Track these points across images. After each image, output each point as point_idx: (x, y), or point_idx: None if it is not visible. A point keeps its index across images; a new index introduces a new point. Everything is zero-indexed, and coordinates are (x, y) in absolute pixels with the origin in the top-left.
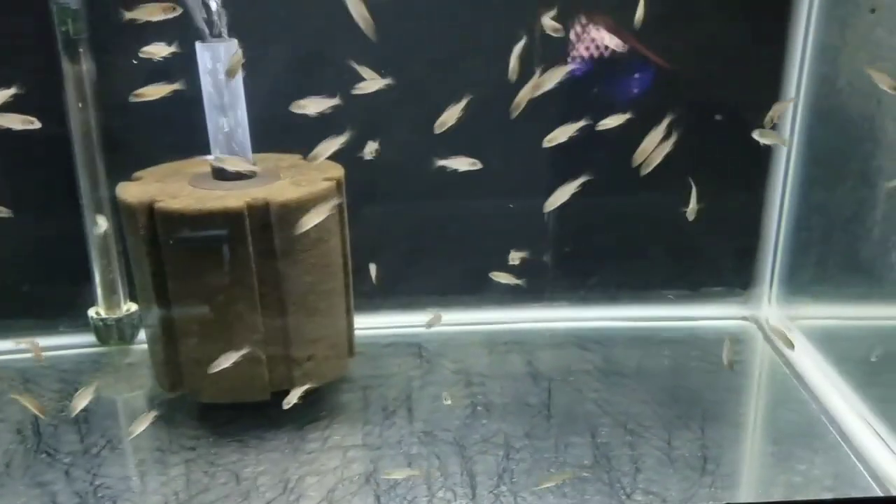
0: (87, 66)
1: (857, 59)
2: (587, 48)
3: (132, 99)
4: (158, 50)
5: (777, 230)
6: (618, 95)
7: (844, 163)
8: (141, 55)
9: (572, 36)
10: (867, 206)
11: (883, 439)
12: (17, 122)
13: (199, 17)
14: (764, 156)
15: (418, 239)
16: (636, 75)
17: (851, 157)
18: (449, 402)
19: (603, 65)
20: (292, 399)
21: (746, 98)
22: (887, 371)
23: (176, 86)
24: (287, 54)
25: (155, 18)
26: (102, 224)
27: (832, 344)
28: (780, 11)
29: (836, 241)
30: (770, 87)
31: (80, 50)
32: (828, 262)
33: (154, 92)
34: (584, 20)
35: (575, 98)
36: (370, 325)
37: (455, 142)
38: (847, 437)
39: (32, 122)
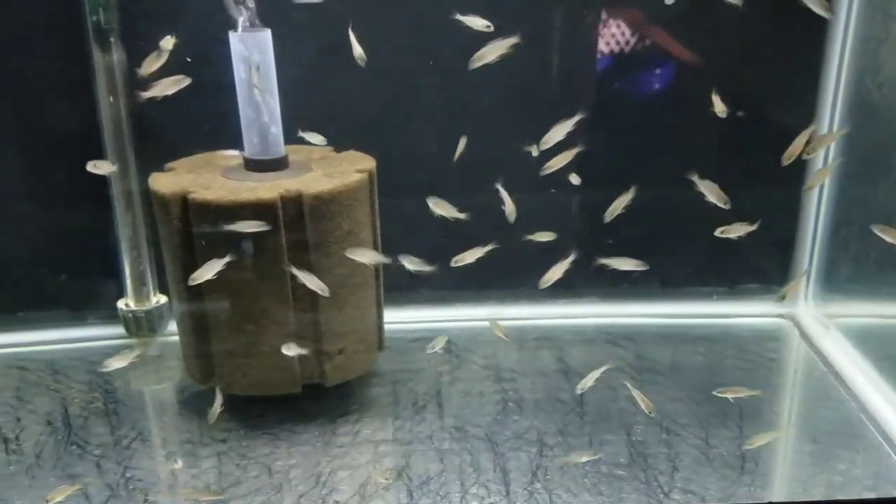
0: (117, 55)
1: None
2: (607, 43)
3: (144, 95)
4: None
5: (815, 226)
6: (640, 90)
7: (886, 158)
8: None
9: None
10: None
11: None
12: (169, 85)
13: (233, 6)
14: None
15: (447, 232)
16: (657, 70)
17: (893, 151)
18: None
19: (625, 60)
20: None
21: (785, 92)
22: None
23: (183, 79)
24: (319, 45)
25: (170, 91)
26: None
27: (870, 342)
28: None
29: (876, 237)
30: (809, 81)
31: (111, 39)
32: (867, 259)
33: (164, 87)
34: (605, 15)
35: (601, 93)
36: (398, 318)
37: (487, 132)
38: (888, 437)
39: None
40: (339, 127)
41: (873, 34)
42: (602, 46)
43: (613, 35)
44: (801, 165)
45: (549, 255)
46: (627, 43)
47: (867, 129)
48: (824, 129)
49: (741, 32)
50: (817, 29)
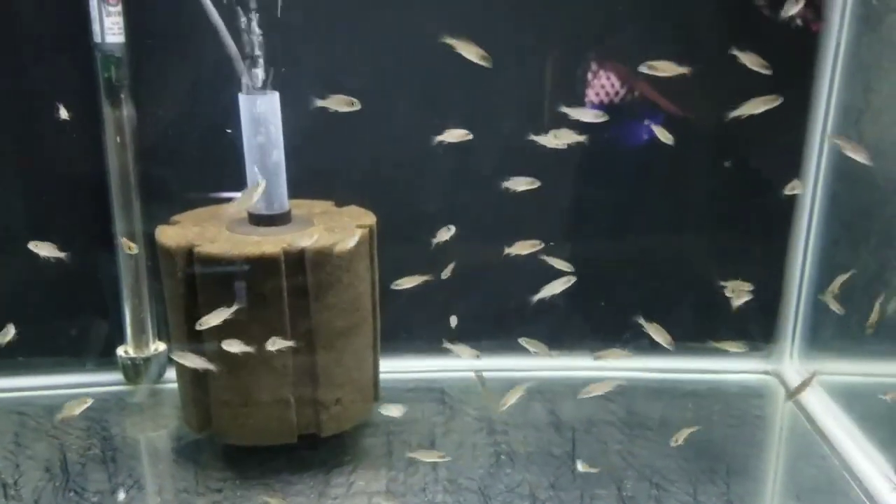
0: (127, 111)
1: (881, 122)
2: (597, 94)
3: None
4: None
5: (799, 287)
6: (628, 141)
7: (867, 223)
8: None
9: (585, 81)
10: (890, 266)
11: None
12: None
13: (243, 69)
14: (787, 213)
15: (442, 283)
16: (646, 122)
17: (875, 217)
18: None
19: (614, 111)
20: None
21: (770, 158)
22: None
23: None
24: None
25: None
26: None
27: (853, 400)
28: (804, 73)
29: (859, 299)
30: (794, 147)
31: (122, 96)
32: (850, 321)
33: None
34: (595, 66)
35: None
36: (393, 368)
37: (480, 188)
38: (870, 495)
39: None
40: (341, 181)
41: (854, 104)
42: (592, 97)
43: (603, 86)
44: (786, 227)
45: (543, 309)
46: (616, 94)
47: (850, 195)
48: (808, 193)
49: (727, 99)
50: (802, 97)
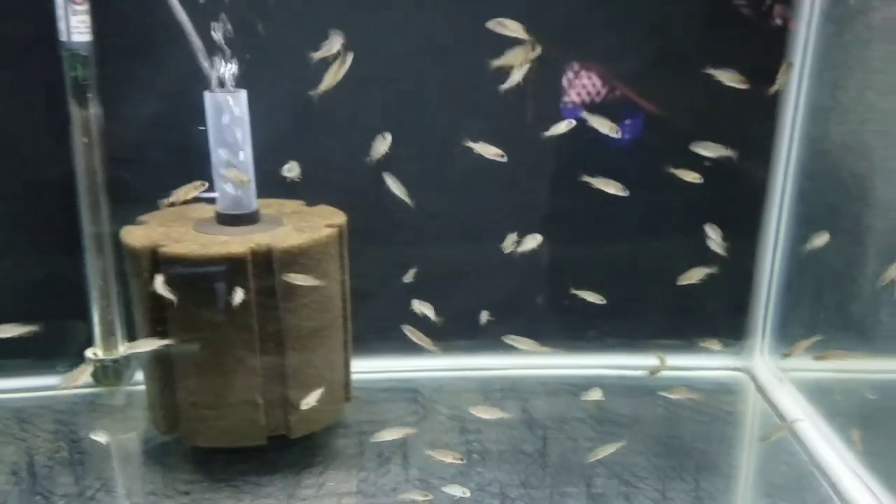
0: (94, 110)
1: (848, 121)
2: (578, 94)
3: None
4: None
5: (769, 284)
6: (609, 142)
7: (835, 221)
8: None
9: (564, 82)
10: (857, 263)
11: (874, 493)
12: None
13: (209, 66)
14: (757, 210)
15: (415, 283)
16: (627, 122)
17: (842, 215)
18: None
19: (594, 111)
20: None
21: (740, 155)
22: (878, 424)
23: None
24: (293, 104)
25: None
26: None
27: (822, 396)
28: (773, 73)
29: (827, 296)
30: (763, 147)
31: (88, 95)
32: (818, 317)
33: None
34: (576, 67)
35: (570, 144)
36: (367, 368)
37: (453, 188)
38: (838, 490)
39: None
40: (313, 181)
41: (823, 102)
42: (573, 97)
43: (584, 86)
44: (755, 225)
45: (515, 307)
46: (598, 94)
47: (818, 193)
48: (778, 191)
49: (698, 100)
50: (771, 98)
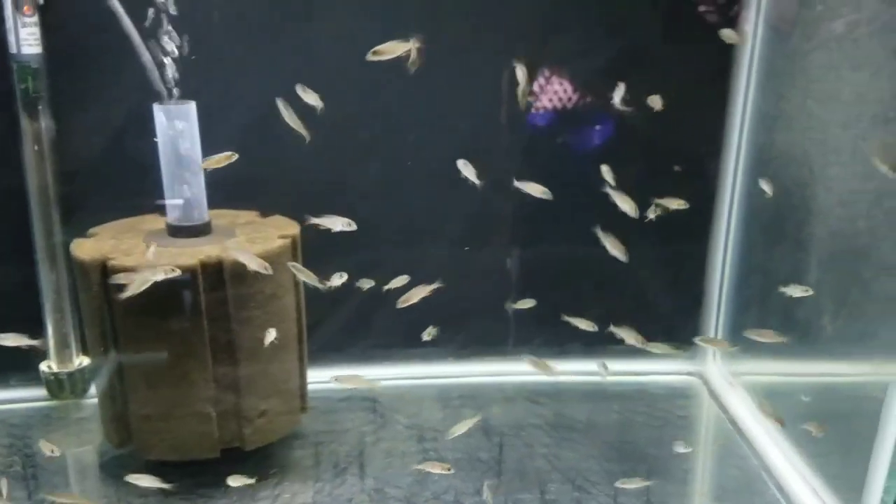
0: (45, 122)
1: (792, 129)
2: (550, 99)
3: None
4: None
5: (720, 289)
6: (580, 146)
7: (780, 227)
8: None
9: (536, 87)
10: (801, 269)
11: (819, 496)
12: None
13: (158, 79)
14: (707, 216)
15: (374, 290)
16: (597, 126)
17: (786, 222)
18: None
19: (565, 115)
20: None
21: (690, 162)
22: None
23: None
24: (244, 112)
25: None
26: None
27: (773, 400)
28: (722, 81)
29: (774, 301)
30: (713, 152)
31: (39, 107)
32: (767, 322)
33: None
34: (546, 72)
35: (538, 147)
36: (325, 378)
37: (413, 194)
38: (786, 494)
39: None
40: (268, 191)
41: (768, 111)
42: (545, 103)
43: (556, 92)
44: (706, 230)
45: (477, 313)
46: (560, 99)
47: (765, 200)
48: (727, 197)
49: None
50: (720, 105)
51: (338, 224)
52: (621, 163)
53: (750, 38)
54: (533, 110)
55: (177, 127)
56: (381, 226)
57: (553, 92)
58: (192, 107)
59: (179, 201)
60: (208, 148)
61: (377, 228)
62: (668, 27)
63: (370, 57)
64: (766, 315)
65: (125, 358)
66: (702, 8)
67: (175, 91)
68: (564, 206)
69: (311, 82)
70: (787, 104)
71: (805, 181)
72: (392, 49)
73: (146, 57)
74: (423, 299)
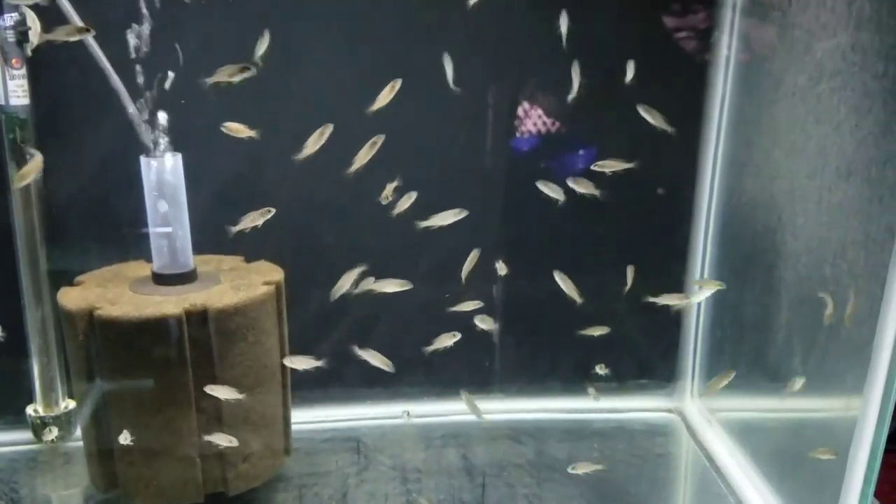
0: None
1: (760, 175)
2: (534, 124)
3: None
4: None
5: (696, 328)
6: (563, 171)
7: (751, 270)
8: None
9: (520, 112)
10: (772, 312)
11: None
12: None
13: (144, 132)
14: (682, 258)
15: (356, 329)
16: (581, 151)
17: (757, 265)
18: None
19: (549, 141)
20: None
21: (664, 204)
22: (799, 464)
23: None
24: (229, 163)
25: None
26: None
27: (748, 436)
28: (694, 127)
29: (747, 341)
30: (687, 195)
31: (27, 156)
32: (740, 361)
33: None
34: (529, 98)
35: (521, 172)
36: (308, 419)
37: (395, 232)
38: None
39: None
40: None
41: (738, 158)
42: (530, 127)
43: (540, 116)
44: (682, 271)
45: (460, 351)
46: (545, 125)
47: (737, 243)
48: (700, 241)
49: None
50: (692, 150)
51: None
52: (596, 208)
53: (720, 85)
54: (519, 135)
55: (164, 178)
56: (365, 262)
57: (528, 125)
58: (178, 159)
59: (165, 255)
60: (193, 196)
61: (351, 264)
62: (640, 71)
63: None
64: (739, 355)
65: (111, 404)
66: (679, 34)
67: (162, 141)
68: (545, 244)
69: (296, 126)
70: (755, 152)
71: (773, 227)
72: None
73: (132, 110)
74: (405, 339)
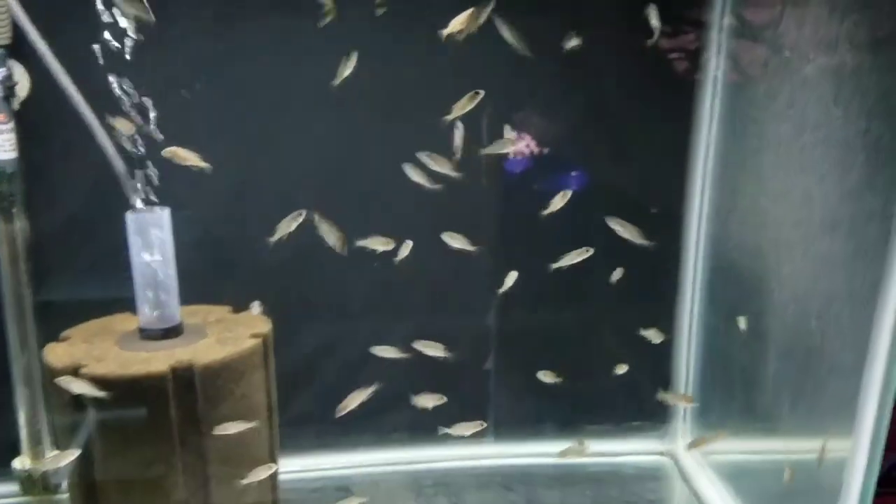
0: (19, 224)
1: (747, 223)
2: (527, 146)
3: None
4: None
5: (687, 371)
6: (556, 192)
7: (738, 318)
8: None
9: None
10: (760, 359)
11: None
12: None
13: (131, 187)
14: (671, 304)
15: (345, 376)
16: (573, 173)
17: (744, 313)
18: None
19: (542, 162)
20: None
21: (651, 253)
22: None
23: None
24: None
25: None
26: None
27: (740, 479)
28: (680, 175)
29: (737, 386)
30: (673, 242)
31: (14, 210)
32: (731, 405)
33: None
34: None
35: (515, 194)
36: (296, 467)
37: (381, 276)
38: None
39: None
40: (236, 281)
41: (724, 205)
42: (522, 150)
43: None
44: (671, 317)
45: (450, 399)
46: (538, 146)
47: (724, 291)
48: (689, 289)
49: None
50: (679, 199)
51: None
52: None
53: (705, 131)
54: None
55: (150, 233)
56: (352, 305)
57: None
58: (165, 213)
59: (152, 310)
60: (181, 246)
61: (347, 308)
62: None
63: None
64: (729, 399)
65: (96, 463)
66: (672, 55)
67: (148, 195)
68: (536, 289)
69: (283, 170)
70: (741, 199)
71: (760, 275)
72: None
73: (119, 166)
74: (396, 385)
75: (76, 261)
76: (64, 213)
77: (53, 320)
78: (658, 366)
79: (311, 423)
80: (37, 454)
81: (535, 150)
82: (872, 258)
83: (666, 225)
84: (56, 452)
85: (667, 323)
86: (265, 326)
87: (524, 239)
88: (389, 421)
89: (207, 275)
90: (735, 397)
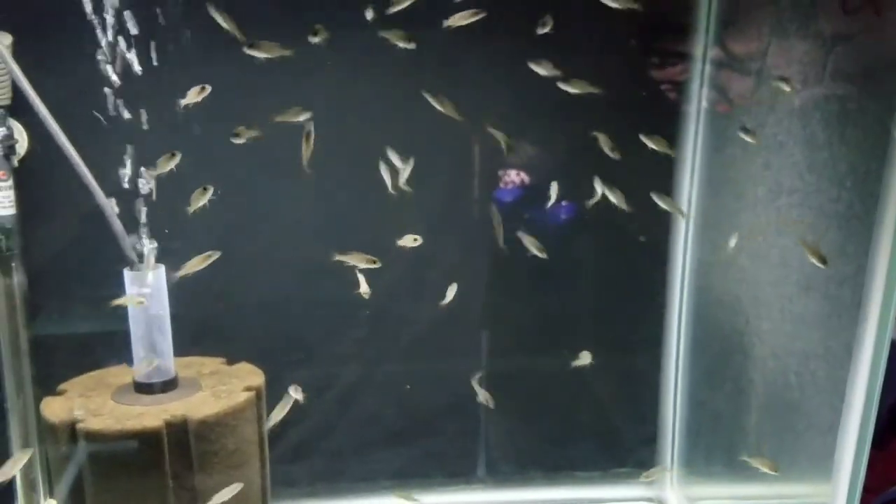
0: (18, 278)
1: (727, 278)
2: (518, 174)
3: None
4: None
5: (673, 419)
6: (546, 221)
7: (721, 370)
8: None
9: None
10: (742, 412)
11: None
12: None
13: (128, 246)
14: (657, 354)
15: (336, 418)
16: (563, 203)
17: (727, 365)
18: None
19: (532, 191)
20: None
21: (636, 305)
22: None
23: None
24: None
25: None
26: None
27: None
28: (664, 229)
29: (720, 435)
30: (658, 296)
31: (12, 264)
32: (716, 451)
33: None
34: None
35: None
36: None
37: (373, 315)
38: None
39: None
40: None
41: (705, 258)
42: (514, 178)
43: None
44: (657, 367)
45: (439, 444)
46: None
47: (708, 343)
48: (674, 340)
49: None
50: (663, 251)
51: None
52: (574, 300)
53: (687, 185)
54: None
55: (146, 291)
56: (345, 347)
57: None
58: (161, 271)
59: (148, 364)
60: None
61: (340, 351)
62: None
63: None
64: (714, 447)
65: None
66: (663, 86)
67: (147, 257)
68: (524, 332)
69: (274, 223)
70: (722, 254)
71: (741, 330)
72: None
73: (117, 226)
74: (392, 430)
75: (75, 317)
76: (61, 266)
77: (49, 373)
78: (646, 411)
79: (302, 468)
80: (31, 502)
81: (525, 179)
82: (846, 320)
83: (651, 276)
84: (51, 502)
85: (654, 372)
86: (258, 379)
87: (514, 272)
88: (381, 466)
89: (197, 325)
90: (720, 444)
